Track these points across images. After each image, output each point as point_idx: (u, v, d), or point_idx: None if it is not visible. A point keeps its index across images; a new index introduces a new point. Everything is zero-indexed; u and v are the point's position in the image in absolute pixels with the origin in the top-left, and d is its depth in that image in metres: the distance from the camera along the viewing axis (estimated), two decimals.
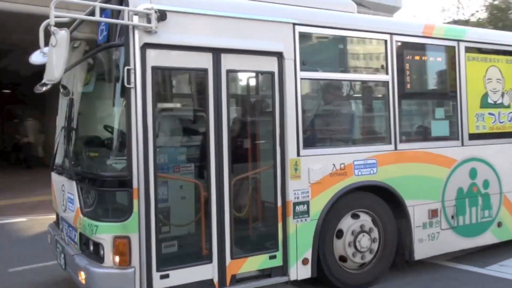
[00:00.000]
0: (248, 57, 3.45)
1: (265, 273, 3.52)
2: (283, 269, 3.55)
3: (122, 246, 2.96)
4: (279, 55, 3.54)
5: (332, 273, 3.77)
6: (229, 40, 3.36)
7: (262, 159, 3.70)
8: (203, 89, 3.32)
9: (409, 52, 4.29)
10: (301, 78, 3.63)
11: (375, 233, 3.95)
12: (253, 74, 3.79)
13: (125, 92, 2.99)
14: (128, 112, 2.99)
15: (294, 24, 3.61)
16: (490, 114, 4.73)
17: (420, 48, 4.41)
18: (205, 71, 3.30)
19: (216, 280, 3.30)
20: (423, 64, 4.52)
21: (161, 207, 3.26)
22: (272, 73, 3.54)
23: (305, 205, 3.62)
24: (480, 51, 4.71)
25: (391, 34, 4.06)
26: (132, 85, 2.97)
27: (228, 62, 3.36)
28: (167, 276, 3.15)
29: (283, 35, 3.56)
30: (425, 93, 4.67)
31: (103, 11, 3.12)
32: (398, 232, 4.07)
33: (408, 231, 4.09)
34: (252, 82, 3.89)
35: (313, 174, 3.64)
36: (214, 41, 3.31)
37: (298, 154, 3.59)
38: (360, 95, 4.43)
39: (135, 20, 3.01)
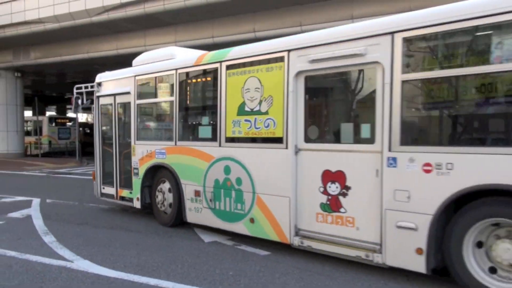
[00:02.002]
0: (124, 95, 7.63)
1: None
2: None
3: (93, 175, 8.53)
4: (129, 93, 7.50)
5: (155, 210, 7.26)
6: (118, 89, 7.75)
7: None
8: (111, 111, 7.98)
9: (187, 78, 6.54)
10: (137, 104, 7.37)
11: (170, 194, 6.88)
12: (127, 103, 7.60)
13: (93, 113, 8.41)
14: (93, 120, 8.73)
15: (135, 76, 7.38)
16: (246, 120, 5.49)
17: (195, 74, 6.46)
18: (112, 104, 7.96)
19: (114, 195, 8.05)
20: (198, 85, 6.59)
21: (103, 161, 8.34)
22: (129, 102, 7.52)
23: (137, 170, 7.37)
24: (240, 65, 5.54)
25: (176, 69, 6.57)
26: (94, 112, 8.33)
27: (118, 99, 7.84)
28: (104, 188, 8.29)
29: (131, 82, 7.44)
30: (199, 106, 6.70)
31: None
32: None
33: (183, 200, 6.52)
34: (126, 107, 7.69)
35: (138, 154, 7.31)
36: (114, 90, 7.88)
37: (134, 143, 7.44)
38: (163, 112, 7.22)
39: (95, 87, 8.28)
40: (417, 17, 4.12)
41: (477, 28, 3.78)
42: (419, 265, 4.10)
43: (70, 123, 29.40)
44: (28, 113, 41.33)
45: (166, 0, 15.75)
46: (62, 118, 31.96)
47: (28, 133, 27.55)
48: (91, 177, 9.08)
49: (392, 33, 4.20)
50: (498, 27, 3.69)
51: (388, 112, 4.22)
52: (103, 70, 22.55)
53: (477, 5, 3.73)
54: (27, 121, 28.17)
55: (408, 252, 4.15)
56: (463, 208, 3.88)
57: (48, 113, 51.23)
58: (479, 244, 3.92)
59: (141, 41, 18.46)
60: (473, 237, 3.90)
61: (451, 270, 4.01)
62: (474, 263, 3.90)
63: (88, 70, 24.63)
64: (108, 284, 4.47)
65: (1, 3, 19.63)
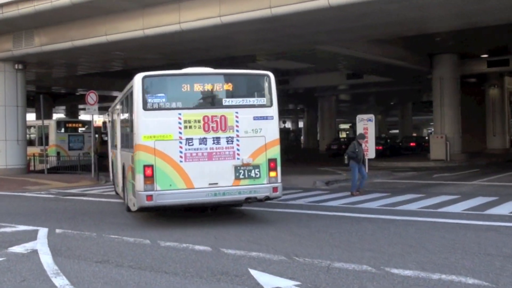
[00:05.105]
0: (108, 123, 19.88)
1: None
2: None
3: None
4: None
5: None
6: (107, 119, 20.12)
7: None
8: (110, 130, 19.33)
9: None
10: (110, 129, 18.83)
11: None
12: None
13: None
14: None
15: (107, 113, 20.00)
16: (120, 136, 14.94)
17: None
18: (109, 126, 19.23)
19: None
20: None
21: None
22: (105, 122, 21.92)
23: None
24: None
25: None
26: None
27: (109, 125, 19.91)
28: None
29: (109, 117, 19.42)
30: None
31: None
32: None
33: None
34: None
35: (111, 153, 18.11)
36: (108, 119, 19.69)
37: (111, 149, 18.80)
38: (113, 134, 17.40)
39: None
40: None
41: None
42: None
43: (83, 128, 30.68)
44: (31, 116, 43.62)
45: None
46: (74, 122, 33.48)
47: (31, 143, 29.06)
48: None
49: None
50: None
51: (115, 135, 15.78)
52: (126, 58, 23.62)
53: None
54: (29, 127, 29.74)
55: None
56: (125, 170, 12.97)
57: (55, 116, 54.01)
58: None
59: (175, 16, 18.97)
60: (128, 180, 11.90)
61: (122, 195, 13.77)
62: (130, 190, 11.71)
63: (106, 58, 25.64)
64: None
65: None
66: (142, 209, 10.51)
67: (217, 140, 10.23)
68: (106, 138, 34.43)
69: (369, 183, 15.92)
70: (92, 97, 23.30)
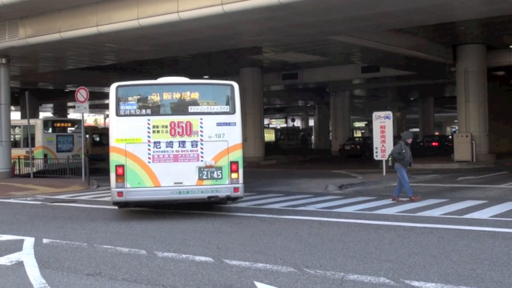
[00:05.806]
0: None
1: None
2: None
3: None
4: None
5: None
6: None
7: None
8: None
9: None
10: None
11: None
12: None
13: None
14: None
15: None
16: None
17: None
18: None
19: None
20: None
21: None
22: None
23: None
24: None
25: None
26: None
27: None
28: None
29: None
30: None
31: None
32: None
33: None
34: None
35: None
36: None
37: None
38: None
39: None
40: None
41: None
42: None
43: (73, 128, 30.76)
44: (15, 115, 43.70)
45: None
46: (62, 121, 33.54)
47: (15, 144, 29.13)
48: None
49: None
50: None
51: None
52: (119, 50, 23.23)
53: None
54: (14, 127, 29.82)
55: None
56: None
57: (42, 114, 54.25)
58: None
59: (173, 4, 18.97)
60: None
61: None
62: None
63: (97, 51, 25.69)
64: None
65: None
66: (115, 204, 12.83)
67: (182, 143, 12.38)
68: (97, 139, 34.97)
69: (386, 187, 15.91)
70: (82, 93, 23.27)
